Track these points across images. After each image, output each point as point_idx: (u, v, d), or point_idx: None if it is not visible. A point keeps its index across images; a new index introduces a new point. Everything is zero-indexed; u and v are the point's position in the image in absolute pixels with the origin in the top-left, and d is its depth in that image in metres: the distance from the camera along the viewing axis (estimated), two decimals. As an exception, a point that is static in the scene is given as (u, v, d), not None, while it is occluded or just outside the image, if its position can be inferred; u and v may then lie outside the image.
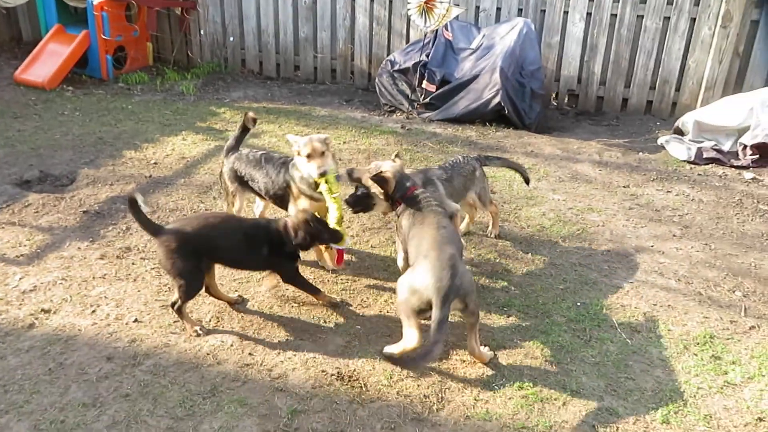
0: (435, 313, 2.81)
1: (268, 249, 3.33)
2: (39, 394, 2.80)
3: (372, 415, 2.78)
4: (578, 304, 3.69)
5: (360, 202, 3.59)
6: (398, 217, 3.47)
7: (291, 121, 6.53)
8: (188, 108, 6.81)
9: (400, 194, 3.42)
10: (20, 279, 3.64)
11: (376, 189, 3.47)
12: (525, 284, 3.87)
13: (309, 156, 3.59)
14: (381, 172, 3.43)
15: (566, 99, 7.50)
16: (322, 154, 3.60)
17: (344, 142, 6.04)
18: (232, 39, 8.11)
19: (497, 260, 4.12)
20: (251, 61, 8.19)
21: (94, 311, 3.39)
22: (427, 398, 2.90)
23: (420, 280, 2.94)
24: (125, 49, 7.66)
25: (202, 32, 8.10)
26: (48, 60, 7.16)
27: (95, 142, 5.72)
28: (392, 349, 3.08)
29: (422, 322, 2.99)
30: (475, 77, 6.68)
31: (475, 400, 2.91)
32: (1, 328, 3.22)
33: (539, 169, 5.66)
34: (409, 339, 2.95)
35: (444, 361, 3.15)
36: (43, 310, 3.39)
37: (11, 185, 4.80)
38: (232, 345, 3.19)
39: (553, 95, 7.49)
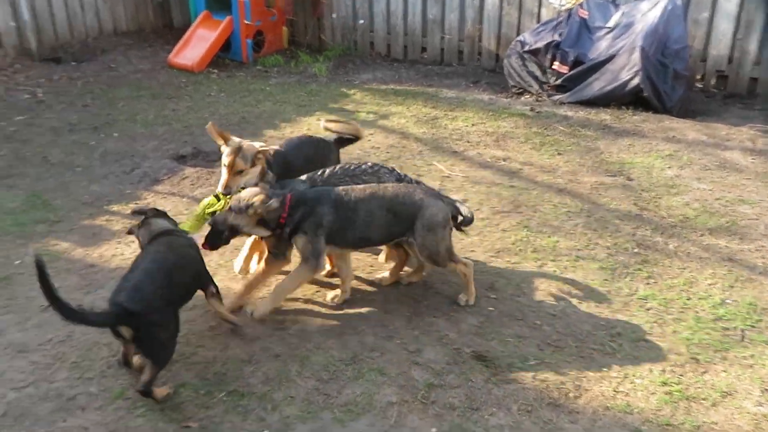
0: (464, 210, 3.39)
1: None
2: (203, 348, 3.12)
3: (508, 396, 2.81)
4: (728, 301, 3.45)
5: (218, 237, 3.19)
6: (305, 230, 3.17)
7: (418, 103, 6.60)
8: (321, 89, 7.10)
9: (281, 206, 3.12)
10: (182, 244, 4.04)
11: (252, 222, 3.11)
12: (666, 276, 3.68)
13: (225, 166, 3.28)
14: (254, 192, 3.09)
15: (713, 80, 6.91)
16: (240, 172, 3.25)
17: (472, 125, 6.02)
18: (362, 22, 8.31)
19: (635, 250, 3.95)
20: (379, 44, 8.35)
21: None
22: (563, 385, 2.88)
23: (438, 216, 3.24)
24: (263, 33, 8.12)
25: (334, 16, 8.38)
26: (197, 45, 7.77)
27: (239, 121, 6.15)
28: (471, 296, 3.45)
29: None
30: (612, 57, 6.35)
31: (615, 391, 2.84)
32: (169, 287, 3.60)
33: (682, 156, 5.30)
34: (469, 265, 3.43)
35: (580, 349, 3.10)
36: (202, 273, 3.73)
37: (170, 159, 5.32)
38: (370, 317, 3.35)
39: (699, 76, 6.93)
